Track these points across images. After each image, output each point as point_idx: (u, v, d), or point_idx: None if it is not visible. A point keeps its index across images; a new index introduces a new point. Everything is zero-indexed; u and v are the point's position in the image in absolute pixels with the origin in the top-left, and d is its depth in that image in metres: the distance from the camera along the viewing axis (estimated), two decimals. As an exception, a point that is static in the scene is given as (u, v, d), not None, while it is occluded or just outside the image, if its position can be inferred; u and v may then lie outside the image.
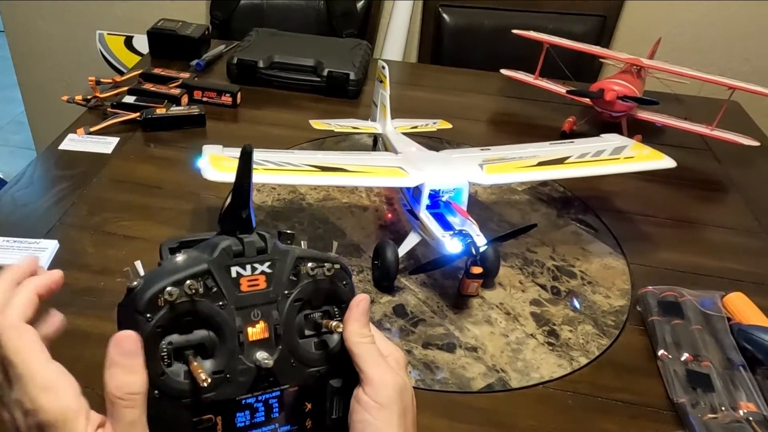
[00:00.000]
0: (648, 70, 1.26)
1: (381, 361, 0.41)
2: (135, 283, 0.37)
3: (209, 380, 0.36)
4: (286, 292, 0.40)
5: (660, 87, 1.32)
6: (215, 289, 0.38)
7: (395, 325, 0.80)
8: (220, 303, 0.38)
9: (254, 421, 0.40)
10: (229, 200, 0.40)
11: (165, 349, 0.37)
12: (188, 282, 0.37)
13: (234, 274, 0.39)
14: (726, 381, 0.72)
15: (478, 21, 1.76)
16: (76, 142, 1.11)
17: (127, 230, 0.92)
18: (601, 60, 1.50)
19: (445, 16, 1.77)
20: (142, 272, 0.38)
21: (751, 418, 0.67)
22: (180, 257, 0.39)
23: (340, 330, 0.42)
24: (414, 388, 0.71)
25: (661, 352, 0.76)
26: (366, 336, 0.41)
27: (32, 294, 0.38)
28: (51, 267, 0.85)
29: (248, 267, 0.39)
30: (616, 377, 0.75)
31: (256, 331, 0.39)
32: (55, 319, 0.41)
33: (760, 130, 1.28)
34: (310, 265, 0.41)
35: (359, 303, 0.42)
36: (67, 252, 0.87)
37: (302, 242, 0.43)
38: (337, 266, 0.42)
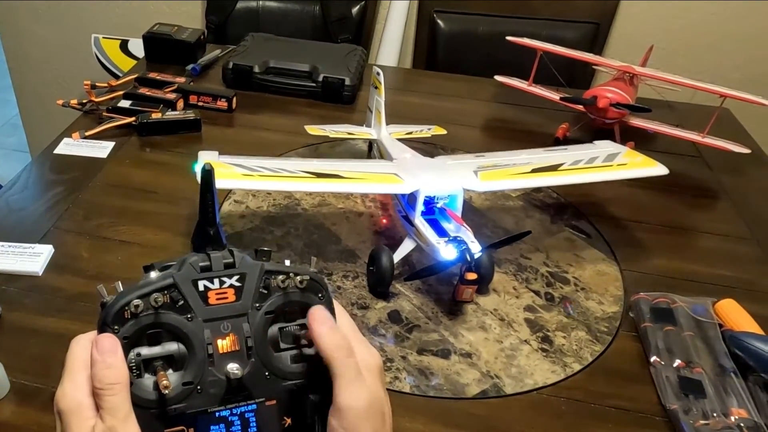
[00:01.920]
0: (640, 78, 1.27)
1: (354, 379, 0.39)
2: (107, 298, 0.39)
3: (171, 387, 0.37)
4: (257, 305, 0.41)
5: (652, 94, 1.33)
6: (181, 302, 0.39)
7: (390, 331, 0.80)
8: (188, 316, 0.39)
9: None
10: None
11: (133, 361, 0.38)
12: (154, 295, 0.38)
13: (201, 288, 0.40)
14: (718, 387, 0.72)
15: (472, 27, 1.77)
16: (71, 147, 1.11)
17: (122, 235, 0.93)
18: (594, 67, 1.51)
19: (439, 22, 1.78)
20: (121, 290, 0.39)
21: (742, 424, 0.68)
22: (153, 274, 0.40)
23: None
24: (408, 394, 0.72)
25: (653, 358, 0.77)
26: (341, 348, 0.40)
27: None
28: (46, 272, 0.85)
29: (216, 281, 0.40)
30: (609, 383, 0.75)
31: (226, 343, 0.40)
32: None
33: (751, 138, 1.29)
34: (280, 278, 0.42)
35: (314, 317, 0.40)
36: (62, 257, 0.87)
37: (286, 261, 0.44)
38: (307, 278, 0.42)
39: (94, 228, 0.94)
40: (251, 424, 0.41)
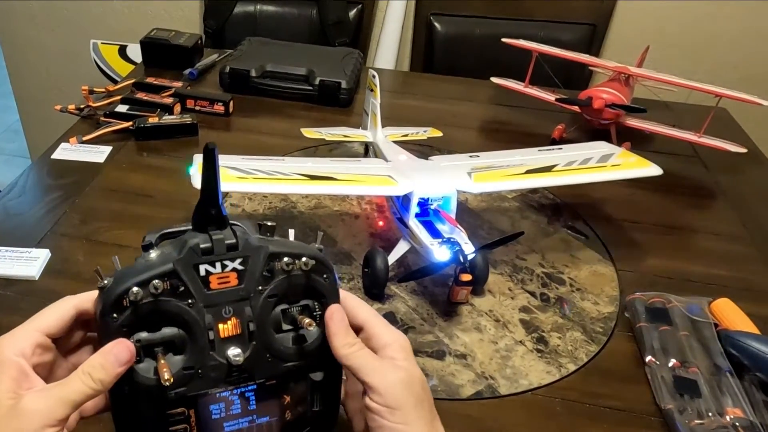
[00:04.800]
0: (636, 78, 1.27)
1: (377, 365, 0.40)
2: (105, 282, 0.38)
3: (172, 379, 0.37)
4: (259, 288, 0.40)
5: (648, 94, 1.33)
6: (182, 288, 0.38)
7: (385, 333, 0.80)
8: (189, 301, 0.38)
9: (230, 413, 0.40)
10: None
11: (134, 347, 0.38)
12: (154, 282, 0.37)
13: (203, 272, 0.39)
14: (713, 387, 0.72)
15: (469, 29, 1.77)
16: (68, 152, 1.12)
17: (119, 239, 0.93)
18: (590, 68, 1.51)
19: (436, 24, 1.79)
20: (119, 267, 0.38)
21: (737, 424, 0.68)
22: (153, 254, 0.39)
23: (311, 328, 0.41)
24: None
25: (648, 358, 0.77)
26: (352, 345, 0.41)
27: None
28: (43, 276, 0.85)
29: (218, 264, 0.39)
30: (604, 384, 0.75)
31: (228, 327, 0.39)
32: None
33: (748, 137, 1.29)
34: (285, 260, 0.41)
35: (332, 316, 0.41)
36: (59, 261, 0.88)
37: (290, 231, 0.43)
38: (313, 261, 0.41)
39: (90, 232, 0.94)
40: (251, 402, 0.41)
